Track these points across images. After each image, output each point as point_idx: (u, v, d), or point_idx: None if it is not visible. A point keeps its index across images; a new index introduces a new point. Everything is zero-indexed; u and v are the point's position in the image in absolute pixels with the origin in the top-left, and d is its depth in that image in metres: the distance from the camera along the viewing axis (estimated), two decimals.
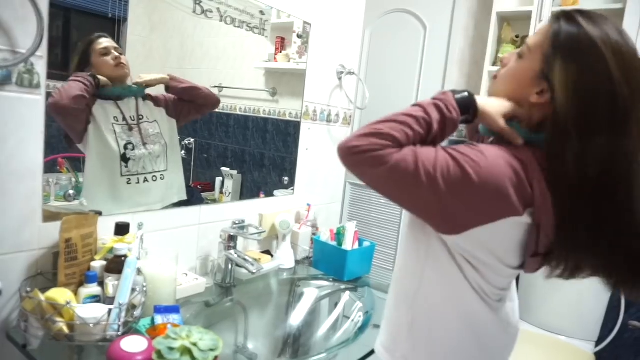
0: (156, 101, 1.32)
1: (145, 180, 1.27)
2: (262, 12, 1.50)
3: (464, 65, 2.61)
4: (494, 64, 2.41)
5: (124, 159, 1.22)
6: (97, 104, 1.18)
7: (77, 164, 1.13)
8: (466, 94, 0.76)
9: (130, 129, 1.25)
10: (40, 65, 0.95)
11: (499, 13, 2.35)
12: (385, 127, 0.71)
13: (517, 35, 2.37)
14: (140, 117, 1.28)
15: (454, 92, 0.75)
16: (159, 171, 1.30)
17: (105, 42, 1.20)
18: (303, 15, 1.64)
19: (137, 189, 1.24)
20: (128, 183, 1.23)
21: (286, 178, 1.74)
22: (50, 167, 1.05)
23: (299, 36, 1.65)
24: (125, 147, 1.23)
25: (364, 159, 0.70)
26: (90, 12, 1.10)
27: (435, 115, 0.72)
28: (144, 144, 1.28)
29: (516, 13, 2.35)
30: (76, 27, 1.08)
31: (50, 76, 0.99)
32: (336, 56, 1.85)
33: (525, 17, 2.26)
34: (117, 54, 1.20)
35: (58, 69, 1.04)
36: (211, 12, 1.34)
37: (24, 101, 0.94)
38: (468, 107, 0.75)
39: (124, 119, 1.24)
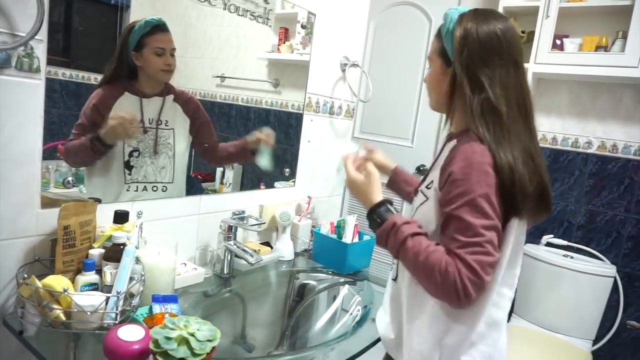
0: (182, 100, 1.32)
1: (145, 189, 1.26)
2: (266, 1, 1.48)
3: None
4: None
5: (127, 166, 1.22)
6: (123, 96, 1.19)
7: None
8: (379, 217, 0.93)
9: (145, 132, 1.24)
10: (40, 49, 0.93)
11: (505, 8, 2.32)
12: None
13: (523, 30, 2.34)
14: (160, 122, 1.28)
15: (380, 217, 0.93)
16: (163, 182, 1.30)
17: (163, 39, 1.22)
18: (307, 5, 1.62)
19: (136, 196, 1.24)
20: (127, 190, 1.22)
21: (287, 170, 1.73)
22: (50, 154, 1.04)
23: (303, 26, 1.63)
24: (131, 154, 1.22)
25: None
26: None
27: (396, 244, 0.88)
28: (155, 152, 1.27)
29: (523, 8, 2.32)
30: (78, 14, 1.07)
31: (50, 62, 0.98)
32: (340, 48, 1.83)
33: (532, 12, 2.23)
34: (170, 57, 1.23)
35: (59, 55, 1.02)
36: None
37: (23, 85, 0.92)
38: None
39: (142, 120, 1.23)
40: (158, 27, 1.21)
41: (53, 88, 1.00)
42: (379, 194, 0.96)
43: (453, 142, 0.90)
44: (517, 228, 0.85)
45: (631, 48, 2.02)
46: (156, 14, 1.21)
